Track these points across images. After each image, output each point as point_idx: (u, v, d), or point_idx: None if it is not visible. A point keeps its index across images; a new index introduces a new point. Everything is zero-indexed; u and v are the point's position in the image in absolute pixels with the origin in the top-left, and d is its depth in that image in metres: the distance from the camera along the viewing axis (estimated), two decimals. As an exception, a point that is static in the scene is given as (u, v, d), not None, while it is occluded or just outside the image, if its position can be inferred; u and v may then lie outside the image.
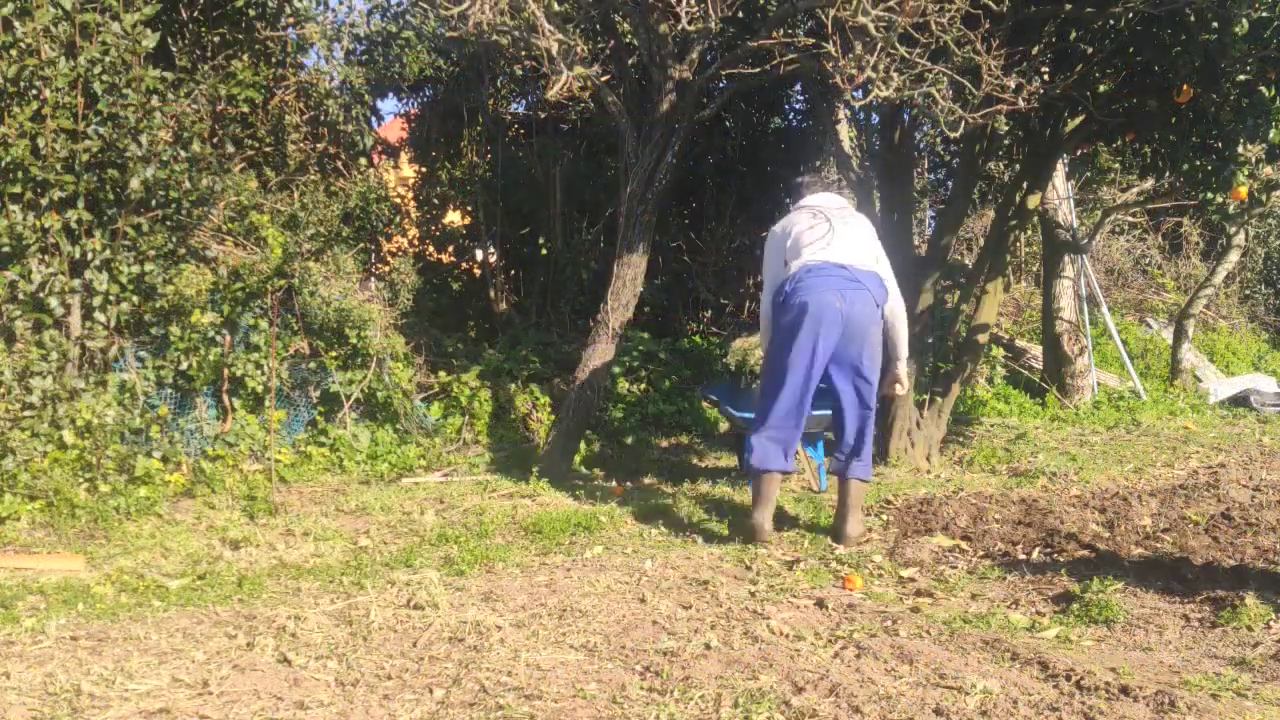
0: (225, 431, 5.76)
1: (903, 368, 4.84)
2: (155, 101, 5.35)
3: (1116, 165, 9.66)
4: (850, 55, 4.96)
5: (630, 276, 6.21)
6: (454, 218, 9.47)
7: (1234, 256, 10.45)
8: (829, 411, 4.79)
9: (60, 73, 5.05)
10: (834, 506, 4.93)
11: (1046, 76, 6.07)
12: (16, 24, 5.00)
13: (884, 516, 5.06)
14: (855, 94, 5.43)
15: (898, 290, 4.70)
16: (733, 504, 5.39)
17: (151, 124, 5.27)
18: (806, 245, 4.56)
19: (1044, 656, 3.05)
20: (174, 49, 6.70)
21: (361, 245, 8.02)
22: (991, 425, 8.12)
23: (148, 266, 5.42)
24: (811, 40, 5.54)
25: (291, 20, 7.42)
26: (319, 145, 7.94)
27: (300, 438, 6.20)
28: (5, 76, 4.97)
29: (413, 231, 9.30)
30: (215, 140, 6.85)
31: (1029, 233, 11.26)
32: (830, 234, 4.55)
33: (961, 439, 7.35)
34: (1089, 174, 10.03)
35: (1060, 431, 7.86)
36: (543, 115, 8.95)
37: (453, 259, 9.48)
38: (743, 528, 4.65)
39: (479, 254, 9.07)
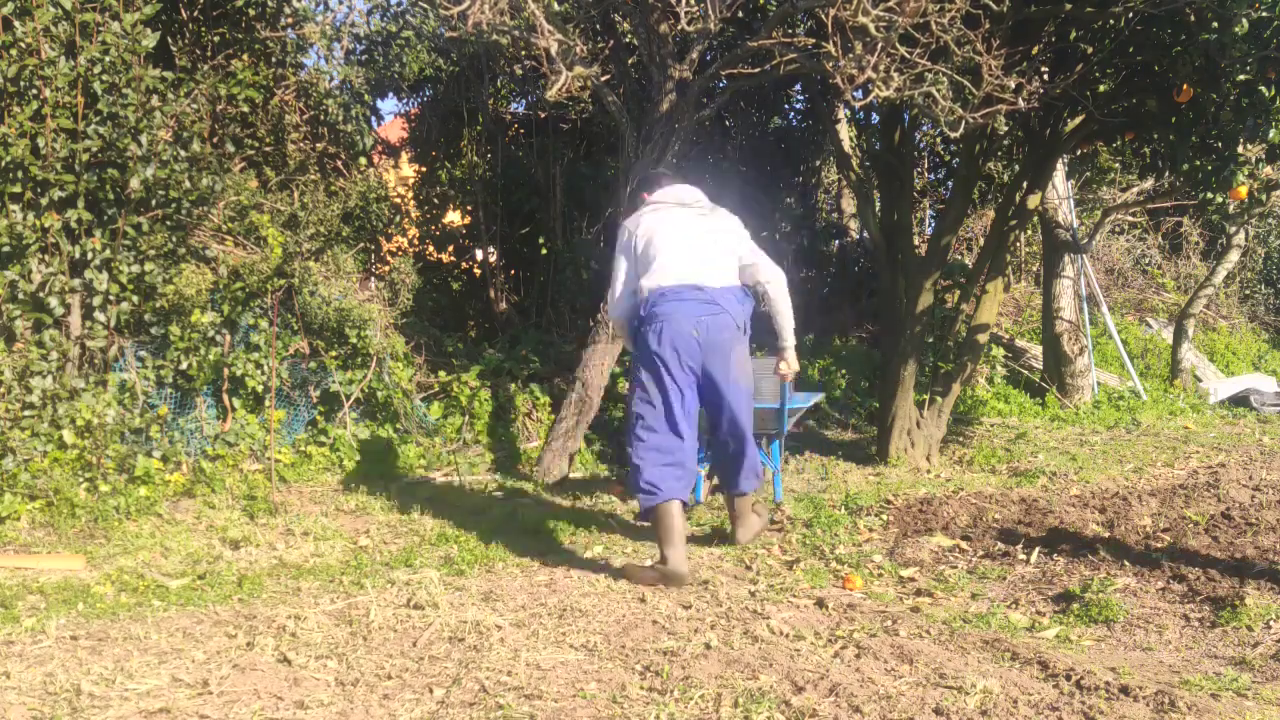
0: (225, 431, 5.76)
1: (789, 353, 4.59)
2: (155, 101, 5.34)
3: (1116, 165, 9.67)
4: (850, 55, 4.96)
5: (630, 276, 6.20)
6: (454, 217, 9.47)
7: (1234, 256, 10.46)
8: (775, 406, 4.83)
9: (60, 72, 5.05)
10: (833, 506, 4.95)
11: (1046, 76, 6.07)
12: (16, 23, 5.00)
13: (884, 516, 5.06)
14: (855, 94, 5.42)
15: (773, 269, 4.38)
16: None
17: (151, 124, 5.27)
18: (659, 257, 4.23)
19: (1044, 656, 3.05)
20: (174, 49, 6.69)
21: (361, 245, 8.02)
22: (991, 425, 8.12)
23: (148, 266, 5.41)
24: (811, 40, 5.54)
25: (291, 20, 7.41)
26: (319, 145, 7.94)
27: (300, 437, 6.20)
28: (5, 76, 4.97)
29: (413, 231, 9.30)
30: (215, 140, 6.85)
31: (1029, 233, 11.28)
32: (685, 243, 4.26)
33: (961, 439, 7.35)
34: (1089, 174, 10.03)
35: (1060, 431, 7.86)
36: (543, 115, 8.95)
37: (453, 259, 9.48)
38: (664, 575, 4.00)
39: (479, 254, 9.08)
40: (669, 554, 3.94)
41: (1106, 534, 4.65)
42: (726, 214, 4.50)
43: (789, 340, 4.56)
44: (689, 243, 4.29)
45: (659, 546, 4.03)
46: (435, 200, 9.21)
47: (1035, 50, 5.79)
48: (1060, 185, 9.21)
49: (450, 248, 9.41)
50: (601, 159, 9.36)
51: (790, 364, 4.61)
